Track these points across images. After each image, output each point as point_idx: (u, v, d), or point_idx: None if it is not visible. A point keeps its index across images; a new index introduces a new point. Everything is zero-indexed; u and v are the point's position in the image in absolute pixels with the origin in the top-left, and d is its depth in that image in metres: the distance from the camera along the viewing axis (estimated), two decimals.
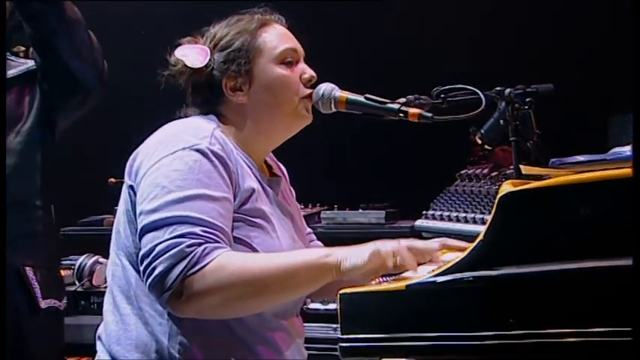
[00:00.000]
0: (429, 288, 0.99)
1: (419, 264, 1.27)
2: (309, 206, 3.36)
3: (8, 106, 1.94)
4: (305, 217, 3.33)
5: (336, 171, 3.57)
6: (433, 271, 1.05)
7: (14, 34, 2.01)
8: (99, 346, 1.46)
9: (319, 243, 1.79)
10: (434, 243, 1.33)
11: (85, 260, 3.10)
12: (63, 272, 2.73)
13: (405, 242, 1.26)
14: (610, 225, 0.92)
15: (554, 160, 1.67)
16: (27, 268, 1.91)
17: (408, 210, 2.98)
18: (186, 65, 1.47)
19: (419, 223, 2.62)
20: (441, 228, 2.45)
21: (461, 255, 1.00)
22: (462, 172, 2.68)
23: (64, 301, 2.01)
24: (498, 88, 1.87)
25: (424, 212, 2.61)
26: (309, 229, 1.79)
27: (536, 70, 3.03)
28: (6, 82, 1.97)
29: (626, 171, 0.94)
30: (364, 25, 3.65)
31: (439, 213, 2.52)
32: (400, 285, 1.02)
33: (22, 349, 1.86)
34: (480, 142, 1.95)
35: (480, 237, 0.98)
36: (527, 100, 1.86)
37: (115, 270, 1.42)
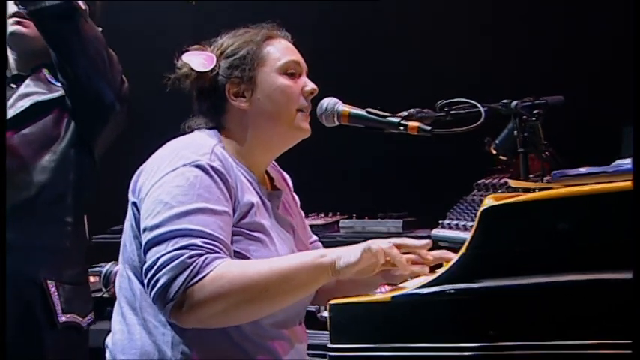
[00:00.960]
0: (414, 299, 1.01)
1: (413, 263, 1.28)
2: (329, 215, 3.37)
3: (47, 127, 1.98)
4: (324, 225, 3.37)
5: (355, 180, 3.57)
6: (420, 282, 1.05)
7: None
8: (107, 354, 1.48)
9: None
10: (422, 241, 1.33)
11: (112, 267, 3.12)
12: (92, 278, 2.76)
13: (394, 240, 1.26)
14: (587, 239, 0.92)
15: (555, 172, 1.66)
16: (50, 282, 1.92)
17: (426, 219, 2.95)
18: (191, 68, 1.49)
19: (435, 232, 2.60)
20: (457, 237, 2.42)
21: (444, 267, 1.01)
22: (480, 182, 2.66)
23: (89, 317, 2.02)
24: (505, 101, 1.87)
25: (440, 222, 2.60)
26: (314, 237, 1.80)
27: (549, 81, 3.00)
28: (41, 104, 1.99)
29: (606, 186, 0.95)
30: (375, 37, 3.66)
31: (455, 222, 2.49)
32: (386, 296, 1.04)
33: None
34: (494, 152, 1.95)
35: (462, 250, 1.00)
36: (535, 112, 1.85)
37: (122, 282, 1.45)
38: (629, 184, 0.93)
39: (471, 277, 0.97)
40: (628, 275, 0.87)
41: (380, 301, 1.04)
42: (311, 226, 3.22)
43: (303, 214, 1.77)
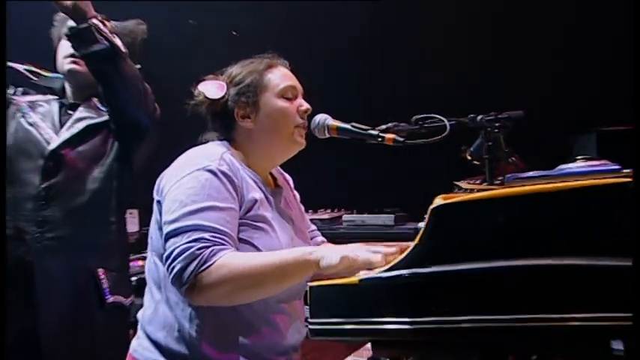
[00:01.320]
0: (376, 282, 1.00)
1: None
2: (334, 210, 3.39)
3: (96, 145, 2.00)
4: (330, 219, 3.38)
5: (356, 182, 3.56)
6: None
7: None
8: (139, 326, 1.48)
9: (320, 238, 1.79)
10: (391, 249, 1.30)
11: None
12: (140, 262, 2.76)
13: (366, 247, 1.20)
14: (516, 231, 0.91)
15: (509, 176, 1.63)
16: (99, 270, 1.93)
17: (414, 214, 2.94)
18: (206, 97, 1.49)
19: (421, 224, 2.58)
20: None
21: (401, 255, 1.00)
22: (457, 182, 2.64)
23: (130, 298, 2.01)
24: (472, 115, 1.84)
25: (425, 216, 2.58)
26: (312, 227, 1.78)
27: (516, 97, 2.97)
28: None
29: (532, 187, 0.93)
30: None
31: None
32: (355, 280, 1.03)
33: (91, 335, 1.90)
34: (469, 158, 1.92)
35: (416, 241, 0.99)
36: (497, 124, 1.82)
37: (150, 267, 1.45)
38: (556, 185, 0.92)
39: (422, 263, 0.96)
40: (553, 261, 0.86)
41: (350, 283, 1.03)
42: (319, 219, 3.27)
43: (302, 208, 1.75)
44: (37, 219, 1.87)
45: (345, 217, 3.25)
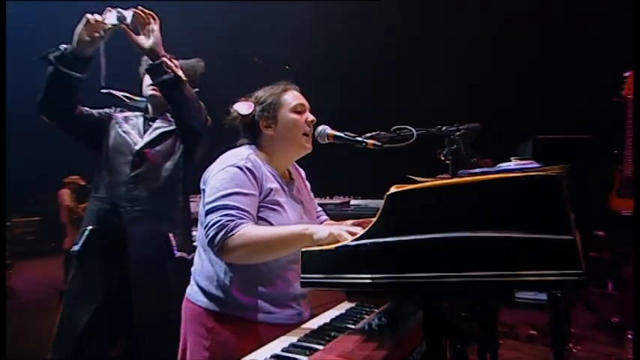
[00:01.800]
0: (347, 249, 1.03)
1: None
2: (344, 196, 3.41)
3: (168, 146, 2.08)
4: (340, 203, 3.41)
5: (363, 173, 3.57)
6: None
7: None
8: (191, 277, 1.55)
9: (324, 217, 1.79)
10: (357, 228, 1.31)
11: None
12: None
13: (348, 228, 1.24)
14: (446, 211, 0.92)
15: (460, 171, 1.64)
16: (170, 234, 2.02)
17: None
18: (239, 113, 1.55)
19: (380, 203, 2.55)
20: None
21: (364, 229, 1.02)
22: (439, 175, 2.62)
23: (192, 255, 2.02)
24: (438, 126, 1.85)
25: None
26: (319, 209, 1.79)
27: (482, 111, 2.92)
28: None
29: (452, 180, 0.95)
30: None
31: None
32: (333, 247, 1.05)
33: (165, 278, 1.97)
34: (442, 158, 1.92)
35: (376, 218, 1.01)
36: (457, 133, 1.82)
37: (199, 235, 1.50)
38: (469, 178, 0.93)
39: (380, 235, 0.98)
40: (472, 233, 0.87)
41: (329, 249, 1.06)
42: (332, 203, 3.29)
43: (312, 195, 1.77)
44: (128, 197, 1.98)
45: (353, 201, 3.28)
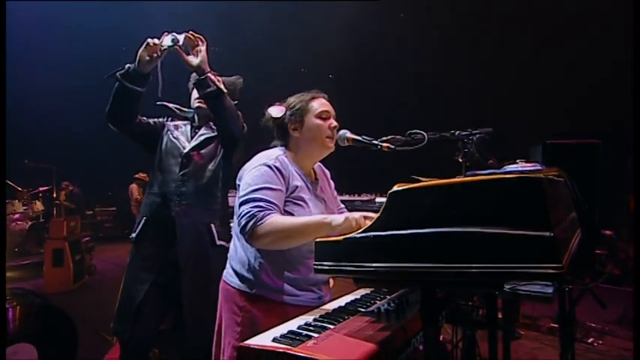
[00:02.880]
0: (353, 240, 1.04)
1: None
2: (371, 194, 3.40)
3: (211, 149, 2.17)
4: (367, 200, 3.39)
5: (388, 173, 3.54)
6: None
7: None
8: (227, 260, 1.61)
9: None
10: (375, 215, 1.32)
11: None
12: None
13: (362, 214, 1.29)
14: (443, 208, 0.92)
15: (468, 172, 1.61)
16: (212, 224, 2.11)
17: None
18: (272, 116, 1.60)
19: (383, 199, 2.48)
20: None
21: (369, 223, 1.03)
22: (458, 176, 2.56)
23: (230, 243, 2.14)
24: (452, 131, 1.83)
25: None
26: (341, 206, 1.80)
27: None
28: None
29: (447, 180, 0.95)
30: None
31: None
32: (341, 238, 1.07)
33: (207, 263, 2.05)
34: (460, 160, 1.90)
35: (379, 214, 1.02)
36: (470, 137, 1.80)
37: (234, 224, 1.53)
38: (463, 179, 0.93)
39: (382, 229, 1.00)
40: (465, 229, 0.87)
41: (337, 240, 1.08)
42: (358, 201, 3.29)
43: (335, 193, 1.79)
44: (177, 192, 2.08)
45: (378, 199, 3.26)
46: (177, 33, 1.97)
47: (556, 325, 3.75)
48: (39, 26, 7.22)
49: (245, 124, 2.16)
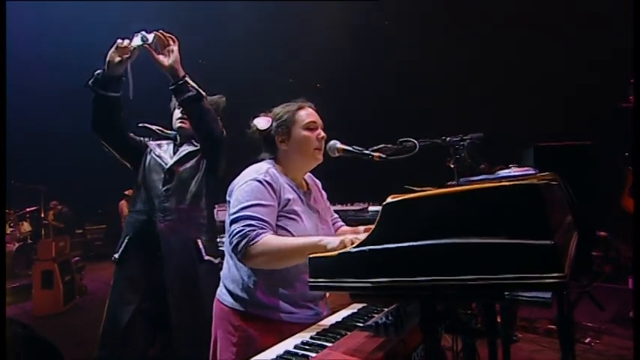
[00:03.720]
0: (348, 254, 1.01)
1: None
2: (363, 203, 3.37)
3: (193, 164, 2.14)
4: (360, 209, 3.37)
5: (380, 182, 3.52)
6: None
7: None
8: (221, 280, 1.56)
9: (340, 223, 1.77)
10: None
11: None
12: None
13: (357, 236, 1.24)
14: (438, 219, 0.89)
15: (462, 179, 1.60)
16: (198, 240, 2.06)
17: None
18: (257, 128, 1.56)
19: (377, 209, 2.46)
20: None
21: (363, 237, 1.00)
22: (449, 182, 2.56)
23: (219, 259, 2.08)
24: (443, 137, 1.81)
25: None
26: (335, 216, 1.77)
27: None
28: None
29: (440, 190, 0.92)
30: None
31: None
32: (335, 253, 1.04)
33: (195, 281, 2.00)
34: (452, 166, 1.89)
35: (373, 227, 0.98)
36: (461, 143, 1.78)
37: (226, 242, 1.49)
38: (457, 188, 0.91)
39: (377, 242, 0.96)
40: (461, 240, 0.84)
41: (332, 255, 1.04)
42: (350, 210, 3.25)
43: (328, 203, 1.76)
44: (160, 208, 2.04)
45: (371, 208, 3.24)
46: (146, 32, 1.93)
47: (554, 327, 3.73)
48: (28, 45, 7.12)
49: (224, 130, 2.12)
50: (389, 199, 1.00)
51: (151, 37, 1.92)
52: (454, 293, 0.88)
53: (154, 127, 2.26)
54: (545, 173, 1.24)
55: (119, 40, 1.90)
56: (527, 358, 3.29)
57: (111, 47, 1.91)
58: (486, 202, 0.85)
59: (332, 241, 1.24)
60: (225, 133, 2.12)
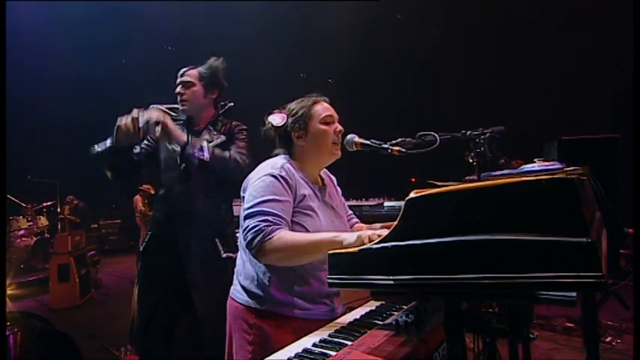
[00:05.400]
0: (370, 251, 0.98)
1: None
2: (379, 198, 3.32)
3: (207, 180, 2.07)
4: (375, 205, 3.32)
5: (396, 178, 3.48)
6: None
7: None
8: (234, 276, 1.55)
9: (355, 220, 1.74)
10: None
11: None
12: None
13: (375, 232, 1.21)
14: (462, 215, 0.86)
15: (484, 174, 1.54)
16: (216, 239, 2.07)
17: None
18: (272, 125, 1.53)
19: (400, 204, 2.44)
20: None
21: (386, 233, 0.97)
22: (467, 177, 2.50)
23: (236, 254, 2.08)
24: (463, 131, 1.76)
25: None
26: (350, 212, 1.74)
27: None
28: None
29: (465, 185, 0.88)
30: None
31: None
32: (356, 250, 1.01)
33: (214, 275, 2.00)
34: (471, 160, 1.84)
35: (396, 222, 0.95)
36: (482, 137, 1.73)
37: (240, 239, 1.48)
38: (481, 183, 0.87)
39: (399, 238, 0.93)
40: (487, 236, 0.81)
41: (353, 251, 1.01)
42: (365, 205, 3.22)
43: (343, 199, 1.73)
44: (179, 208, 2.04)
45: (386, 203, 3.20)
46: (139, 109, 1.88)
47: (572, 325, 3.65)
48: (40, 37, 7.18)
49: (239, 158, 2.04)
50: (412, 194, 0.96)
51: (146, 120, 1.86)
52: (482, 292, 0.84)
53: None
54: (574, 168, 1.19)
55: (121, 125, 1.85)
56: (545, 357, 3.23)
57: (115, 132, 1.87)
58: (519, 196, 0.80)
59: (348, 237, 1.21)
60: (241, 160, 2.03)
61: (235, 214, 2.16)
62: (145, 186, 6.73)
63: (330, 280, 1.04)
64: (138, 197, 6.85)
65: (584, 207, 0.80)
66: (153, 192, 6.39)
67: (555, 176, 0.75)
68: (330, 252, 1.06)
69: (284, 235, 1.27)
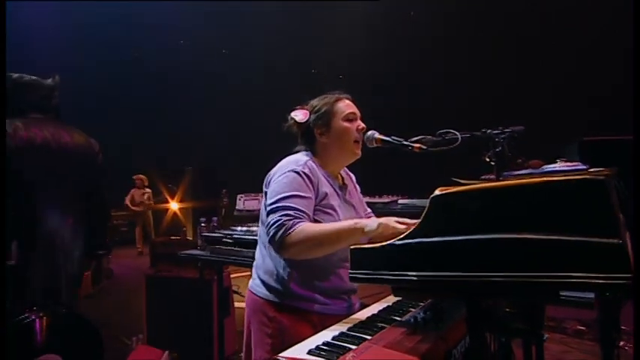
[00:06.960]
0: (393, 247, 0.98)
1: None
2: (393, 195, 3.32)
3: None
4: (389, 202, 3.32)
5: (409, 177, 3.47)
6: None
7: None
8: (253, 270, 1.55)
9: (374, 217, 1.75)
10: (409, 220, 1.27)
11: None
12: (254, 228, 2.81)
13: (395, 218, 1.24)
14: (487, 213, 0.86)
15: (505, 172, 1.54)
16: None
17: None
18: (296, 121, 1.54)
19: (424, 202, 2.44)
20: None
21: (410, 229, 0.97)
22: (484, 176, 2.49)
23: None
24: (484, 130, 1.75)
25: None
26: (368, 210, 1.74)
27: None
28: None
29: (491, 184, 0.89)
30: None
31: None
32: (379, 245, 1.01)
33: None
34: (488, 160, 1.83)
35: (420, 219, 0.96)
36: (502, 136, 1.72)
37: (260, 233, 1.51)
38: (506, 182, 0.87)
39: (424, 235, 0.94)
40: (513, 235, 0.81)
41: (375, 247, 1.02)
42: (379, 203, 3.22)
43: (361, 197, 1.73)
44: None
45: (400, 200, 3.20)
46: None
47: (583, 328, 3.63)
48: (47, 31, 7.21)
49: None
50: (437, 192, 0.97)
51: None
52: (506, 291, 0.85)
53: None
54: (600, 169, 1.18)
55: None
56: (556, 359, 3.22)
57: None
58: (548, 196, 0.81)
59: (369, 224, 1.23)
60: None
61: (247, 207, 2.15)
62: (138, 176, 6.77)
63: (352, 275, 1.06)
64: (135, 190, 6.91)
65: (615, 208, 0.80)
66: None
67: (587, 177, 0.76)
68: (353, 247, 1.06)
69: (305, 228, 1.28)
